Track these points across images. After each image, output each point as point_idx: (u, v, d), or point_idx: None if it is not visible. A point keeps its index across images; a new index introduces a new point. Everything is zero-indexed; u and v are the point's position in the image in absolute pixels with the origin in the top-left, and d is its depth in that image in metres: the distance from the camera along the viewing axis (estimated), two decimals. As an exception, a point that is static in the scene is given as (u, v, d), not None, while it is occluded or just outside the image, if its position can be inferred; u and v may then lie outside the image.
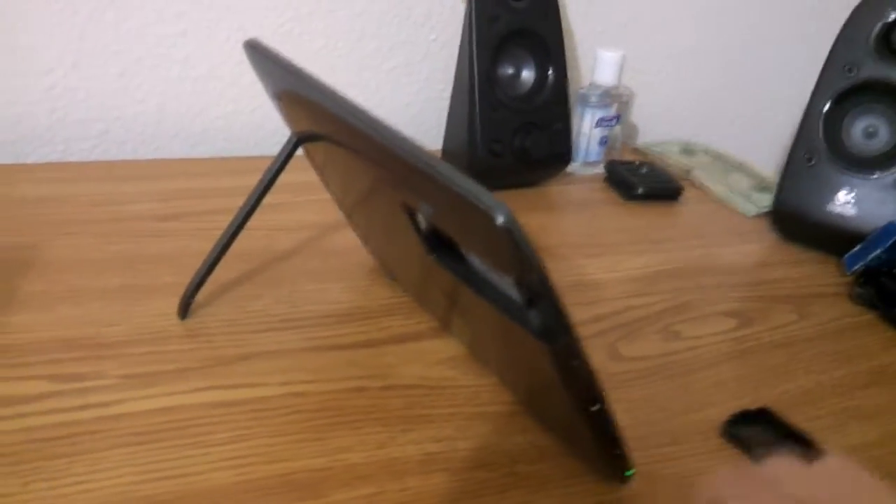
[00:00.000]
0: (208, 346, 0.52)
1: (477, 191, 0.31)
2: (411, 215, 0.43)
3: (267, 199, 0.53)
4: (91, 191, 0.74)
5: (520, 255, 0.31)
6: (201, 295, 0.56)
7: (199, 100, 0.89)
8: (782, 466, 0.32)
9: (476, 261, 0.43)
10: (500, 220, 0.30)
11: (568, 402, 0.38)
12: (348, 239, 0.68)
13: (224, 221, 0.53)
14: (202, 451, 0.43)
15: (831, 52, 0.78)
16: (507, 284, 0.40)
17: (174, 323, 0.54)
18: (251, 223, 0.53)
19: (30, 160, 0.84)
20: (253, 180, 0.52)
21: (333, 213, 0.71)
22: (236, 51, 0.88)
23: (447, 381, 0.52)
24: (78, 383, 0.47)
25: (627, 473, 0.43)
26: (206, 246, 0.54)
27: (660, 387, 0.54)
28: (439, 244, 0.44)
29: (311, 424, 0.46)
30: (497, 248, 0.33)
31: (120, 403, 0.46)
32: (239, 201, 0.53)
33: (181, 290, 0.55)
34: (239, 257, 0.63)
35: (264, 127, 0.93)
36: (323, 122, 0.45)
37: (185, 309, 0.55)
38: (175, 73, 0.86)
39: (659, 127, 1.16)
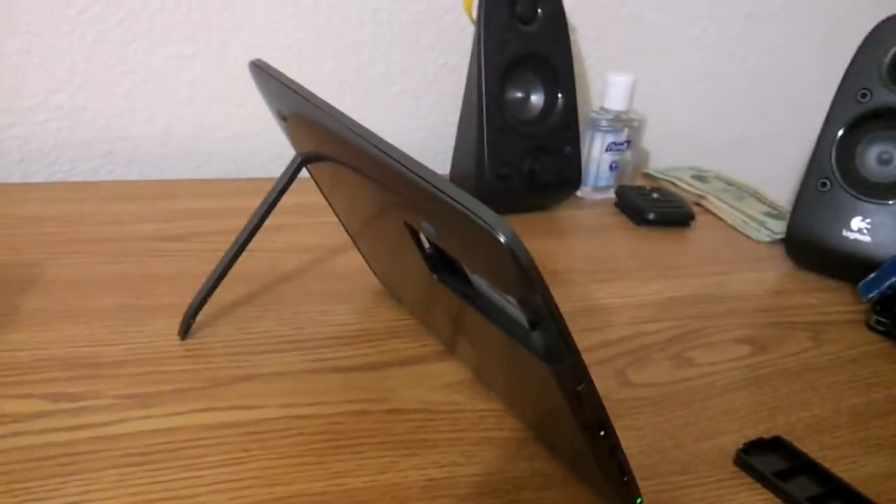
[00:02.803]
0: (208, 366, 0.51)
1: (478, 208, 0.30)
2: (414, 235, 0.43)
3: (270, 221, 0.52)
4: (95, 210, 0.74)
5: (522, 273, 0.30)
6: (202, 315, 0.55)
7: (206, 121, 0.89)
8: None
9: (480, 281, 0.42)
10: (502, 237, 0.29)
11: (573, 427, 0.37)
12: (353, 261, 0.67)
13: (228, 242, 0.53)
14: (196, 474, 0.42)
15: (844, 78, 0.77)
16: (511, 306, 0.39)
17: (174, 343, 0.53)
18: (254, 245, 0.52)
19: (36, 179, 0.84)
20: (259, 202, 0.52)
21: (337, 236, 0.70)
22: (243, 73, 0.88)
23: (452, 405, 0.51)
24: (74, 403, 0.46)
25: (637, 502, 0.42)
26: (209, 267, 0.53)
27: (671, 414, 0.53)
28: (443, 264, 0.43)
29: (312, 448, 0.45)
30: (500, 267, 0.32)
31: (116, 424, 0.45)
32: (244, 223, 0.52)
33: (182, 311, 0.54)
34: (241, 278, 0.62)
35: (270, 150, 0.93)
36: (326, 141, 0.45)
37: (185, 329, 0.54)
38: (182, 94, 0.86)
39: (670, 153, 1.15)
